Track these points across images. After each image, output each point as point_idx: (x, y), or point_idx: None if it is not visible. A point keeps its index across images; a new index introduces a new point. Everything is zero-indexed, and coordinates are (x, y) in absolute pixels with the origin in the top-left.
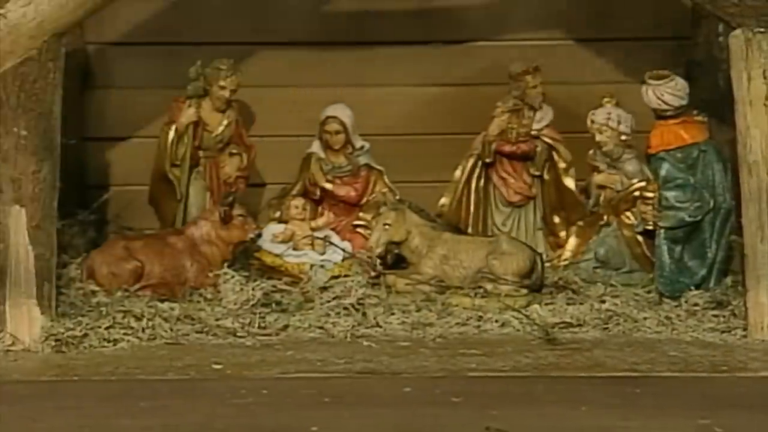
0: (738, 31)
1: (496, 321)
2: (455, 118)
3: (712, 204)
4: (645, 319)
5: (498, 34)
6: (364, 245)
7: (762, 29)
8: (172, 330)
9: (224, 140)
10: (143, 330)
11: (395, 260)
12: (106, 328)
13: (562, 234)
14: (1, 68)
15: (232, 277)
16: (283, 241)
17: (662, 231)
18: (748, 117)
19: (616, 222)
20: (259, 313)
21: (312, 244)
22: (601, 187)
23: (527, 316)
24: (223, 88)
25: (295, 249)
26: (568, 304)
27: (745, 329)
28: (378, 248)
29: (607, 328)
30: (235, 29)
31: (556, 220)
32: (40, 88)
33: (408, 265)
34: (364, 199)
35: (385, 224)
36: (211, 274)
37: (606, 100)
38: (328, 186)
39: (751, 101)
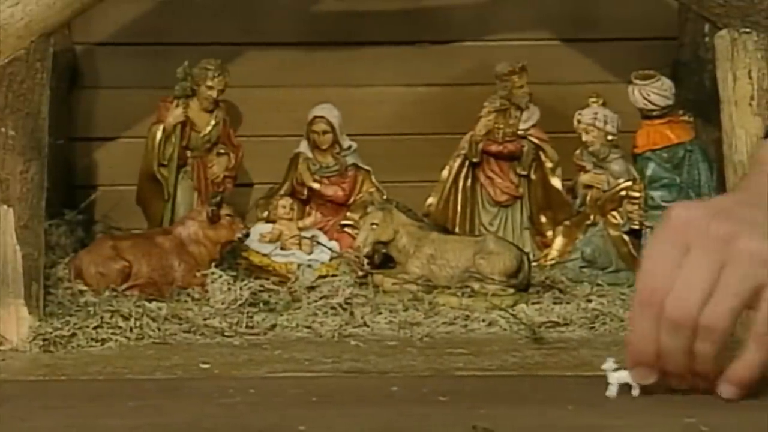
0: (724, 32)
1: (483, 320)
2: (442, 118)
3: None
4: None
5: (485, 35)
6: (352, 245)
7: (747, 29)
8: (159, 329)
9: (212, 140)
10: (131, 329)
11: (382, 260)
12: (94, 328)
13: (549, 233)
14: None
15: (220, 276)
16: (270, 241)
17: (648, 230)
18: (734, 117)
19: (603, 221)
20: (247, 312)
21: (299, 244)
22: (588, 186)
23: (514, 316)
24: (210, 88)
25: (282, 249)
26: (554, 303)
27: None
28: (365, 248)
29: (593, 328)
30: (223, 29)
31: (543, 219)
32: (28, 89)
33: (395, 264)
34: (352, 199)
35: (372, 224)
36: (198, 274)
37: (592, 100)
38: (316, 186)
39: (737, 101)
